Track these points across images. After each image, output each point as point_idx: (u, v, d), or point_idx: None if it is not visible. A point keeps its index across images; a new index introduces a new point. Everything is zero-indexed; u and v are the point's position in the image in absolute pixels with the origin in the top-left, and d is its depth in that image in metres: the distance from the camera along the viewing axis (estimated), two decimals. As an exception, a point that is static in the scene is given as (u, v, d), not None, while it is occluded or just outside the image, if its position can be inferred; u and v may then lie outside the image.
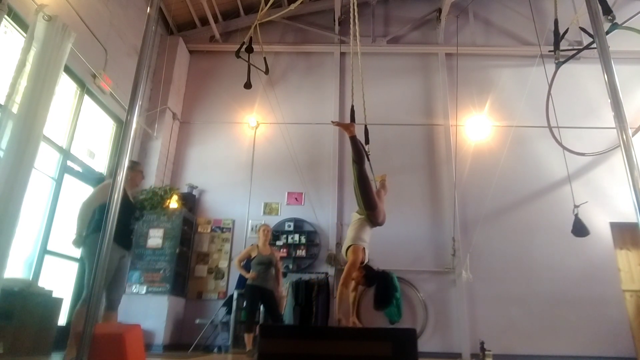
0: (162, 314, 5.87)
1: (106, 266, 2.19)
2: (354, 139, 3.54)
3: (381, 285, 3.54)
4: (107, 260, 2.18)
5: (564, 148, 4.75)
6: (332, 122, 3.81)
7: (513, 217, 6.98)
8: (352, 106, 4.41)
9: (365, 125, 4.62)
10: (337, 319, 3.34)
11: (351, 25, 4.68)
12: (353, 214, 3.82)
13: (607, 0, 3.21)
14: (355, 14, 4.62)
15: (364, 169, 3.50)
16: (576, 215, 5.39)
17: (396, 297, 6.36)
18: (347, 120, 4.31)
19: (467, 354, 6.15)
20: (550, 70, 6.38)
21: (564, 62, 4.30)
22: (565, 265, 6.61)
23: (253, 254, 5.25)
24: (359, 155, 3.49)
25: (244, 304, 5.38)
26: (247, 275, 5.17)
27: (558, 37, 4.22)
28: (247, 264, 5.32)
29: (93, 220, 3.62)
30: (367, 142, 4.53)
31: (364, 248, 3.54)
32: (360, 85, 4.67)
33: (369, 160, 4.55)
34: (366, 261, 3.60)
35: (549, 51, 4.86)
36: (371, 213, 3.60)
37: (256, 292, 5.11)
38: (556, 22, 4.30)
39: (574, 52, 4.37)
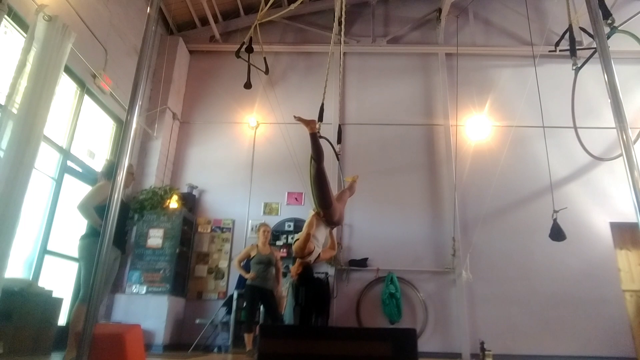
0: (162, 314, 5.86)
1: (106, 266, 2.19)
2: (313, 136, 3.54)
3: (311, 293, 3.53)
4: (107, 261, 2.18)
5: (588, 152, 4.67)
6: (294, 116, 3.79)
7: (513, 217, 6.98)
8: (322, 104, 4.38)
9: (340, 125, 4.63)
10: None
11: (335, 25, 4.71)
12: (310, 211, 3.82)
13: (607, 1, 3.18)
14: (343, 12, 4.65)
15: (321, 166, 3.50)
16: (555, 220, 5.40)
17: (396, 297, 6.42)
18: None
19: (467, 354, 6.14)
20: (548, 70, 6.43)
21: (581, 67, 4.23)
22: (565, 265, 6.60)
23: (252, 254, 5.26)
24: (317, 152, 3.49)
25: (244, 304, 5.39)
26: (247, 276, 5.18)
27: (574, 44, 4.12)
28: (246, 264, 5.32)
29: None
30: (339, 141, 4.51)
31: (312, 239, 3.54)
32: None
33: (338, 159, 4.53)
34: (312, 260, 3.57)
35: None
36: (325, 212, 3.61)
37: (255, 292, 5.11)
38: (570, 27, 4.21)
39: (588, 56, 4.23)
